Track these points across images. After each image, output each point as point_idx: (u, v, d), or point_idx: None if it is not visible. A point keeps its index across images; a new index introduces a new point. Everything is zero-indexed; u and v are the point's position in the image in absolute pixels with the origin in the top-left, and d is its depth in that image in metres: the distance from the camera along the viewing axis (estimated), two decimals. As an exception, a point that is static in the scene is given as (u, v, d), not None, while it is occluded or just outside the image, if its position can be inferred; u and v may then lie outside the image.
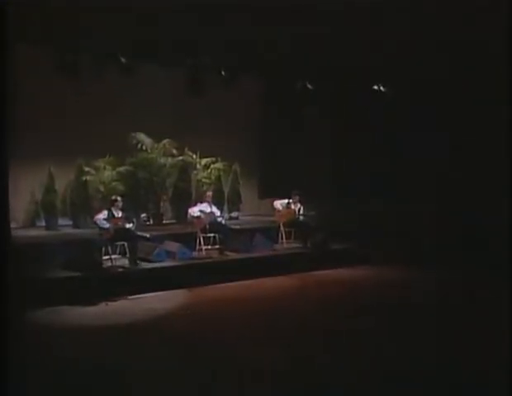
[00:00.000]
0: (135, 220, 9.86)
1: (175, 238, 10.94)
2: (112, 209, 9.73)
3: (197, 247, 10.73)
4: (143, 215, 9.98)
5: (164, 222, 12.78)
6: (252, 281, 10.11)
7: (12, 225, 11.04)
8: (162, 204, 12.84)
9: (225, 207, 13.33)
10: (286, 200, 11.85)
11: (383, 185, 12.53)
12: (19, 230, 11.11)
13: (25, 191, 11.71)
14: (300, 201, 11.83)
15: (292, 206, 11.82)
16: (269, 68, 12.08)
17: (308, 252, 11.52)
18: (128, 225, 9.70)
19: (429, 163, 12.54)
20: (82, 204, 11.59)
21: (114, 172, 11.89)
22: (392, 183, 12.52)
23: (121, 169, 12.01)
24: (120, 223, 9.59)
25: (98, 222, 9.48)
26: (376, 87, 12.42)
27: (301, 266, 10.99)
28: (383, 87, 12.34)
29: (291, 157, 13.94)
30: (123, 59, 10.41)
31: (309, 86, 12.56)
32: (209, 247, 10.87)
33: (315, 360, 6.31)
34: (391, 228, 11.99)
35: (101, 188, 11.78)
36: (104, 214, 9.60)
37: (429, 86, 11.82)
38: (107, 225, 9.46)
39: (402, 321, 7.86)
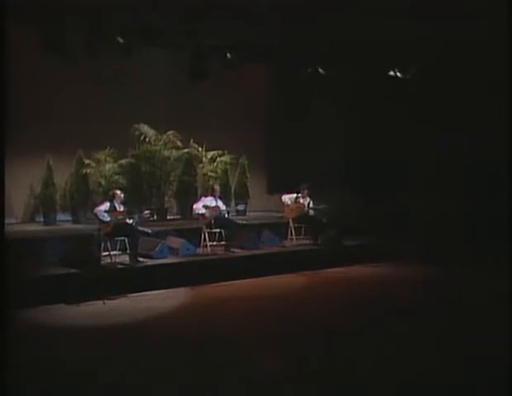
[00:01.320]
0: (136, 215, 9.30)
1: (179, 233, 10.42)
2: (114, 201, 9.21)
3: (202, 243, 10.18)
4: (146, 212, 9.42)
5: (169, 217, 12.24)
6: (259, 280, 9.55)
7: (11, 221, 10.77)
8: (166, 198, 12.27)
9: (232, 202, 12.76)
10: (294, 195, 11.27)
11: (399, 178, 11.90)
12: (16, 225, 10.62)
13: (24, 185, 11.22)
14: (309, 195, 11.24)
15: (301, 200, 11.24)
16: (279, 53, 11.44)
17: (319, 249, 10.94)
18: (129, 220, 9.17)
19: (450, 156, 11.88)
20: (82, 198, 11.07)
21: (115, 165, 11.34)
22: (410, 176, 11.86)
23: (123, 162, 11.46)
24: (121, 216, 9.06)
25: (99, 214, 8.96)
26: (392, 73, 11.69)
27: (312, 264, 10.42)
28: (400, 73, 11.60)
29: (303, 149, 13.28)
30: (121, 40, 9.80)
31: (320, 70, 11.87)
32: (214, 243, 10.31)
33: (326, 363, 5.80)
34: (408, 224, 11.35)
35: (102, 182, 11.24)
36: (106, 205, 9.08)
37: (452, 71, 11.13)
38: (108, 218, 8.93)
39: (419, 321, 7.31)
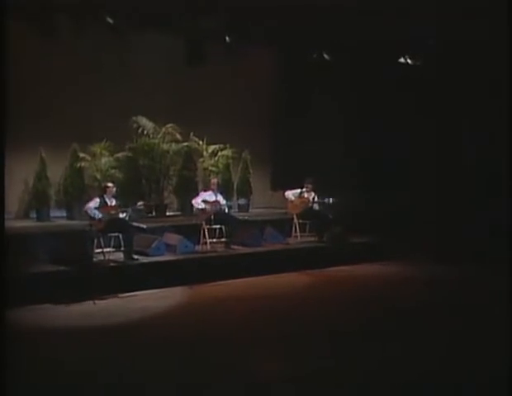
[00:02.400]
0: (129, 209, 8.82)
1: (178, 230, 9.91)
2: (105, 196, 8.74)
3: (202, 240, 9.69)
4: (139, 203, 8.90)
5: (168, 214, 11.75)
6: (259, 278, 9.06)
7: (6, 216, 10.31)
8: (165, 194, 11.77)
9: (234, 198, 12.25)
10: (298, 190, 10.75)
11: (408, 173, 11.36)
12: (7, 222, 10.12)
13: (18, 180, 10.75)
14: (314, 190, 10.72)
15: (306, 195, 10.71)
16: (283, 39, 10.88)
17: (324, 247, 10.42)
18: (122, 215, 8.69)
19: (461, 151, 11.32)
20: (77, 193, 10.59)
21: (111, 159, 10.85)
22: (419, 171, 11.31)
23: (120, 155, 10.97)
24: (112, 211, 8.59)
25: (89, 211, 8.50)
26: (402, 60, 11.04)
27: (316, 262, 9.92)
28: (411, 59, 10.95)
29: (308, 144, 12.70)
30: (110, 20, 9.29)
31: (326, 56, 11.28)
32: (214, 240, 9.82)
33: (328, 365, 5.35)
34: (417, 221, 10.81)
35: (98, 176, 10.75)
36: (96, 202, 8.62)
37: (465, 58, 10.56)
38: (99, 215, 8.46)
39: (426, 321, 6.84)
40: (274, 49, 12.34)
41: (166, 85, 11.64)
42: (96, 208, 8.50)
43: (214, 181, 10.15)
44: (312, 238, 10.72)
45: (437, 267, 9.83)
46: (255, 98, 12.71)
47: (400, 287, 8.73)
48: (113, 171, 10.89)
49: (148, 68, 11.33)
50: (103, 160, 10.81)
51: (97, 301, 7.57)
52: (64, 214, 10.82)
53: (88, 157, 10.70)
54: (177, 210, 11.92)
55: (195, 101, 11.89)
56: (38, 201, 10.45)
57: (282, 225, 10.95)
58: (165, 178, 11.66)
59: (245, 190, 12.64)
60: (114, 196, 8.85)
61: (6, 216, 9.80)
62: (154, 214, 11.43)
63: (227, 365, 5.38)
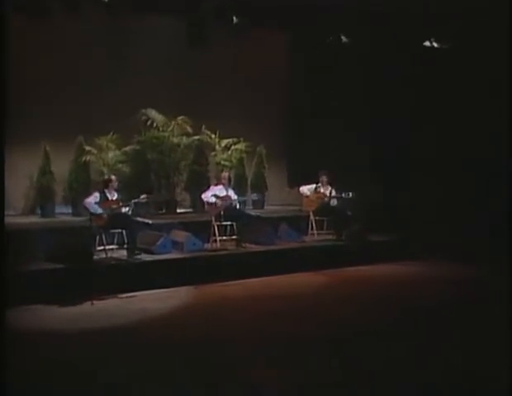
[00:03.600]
0: (131, 202, 8.29)
1: (187, 226, 9.37)
2: (106, 190, 8.24)
3: (212, 237, 9.12)
4: (142, 196, 8.35)
5: (180, 211, 11.19)
6: (273, 278, 8.44)
7: (9, 213, 9.88)
8: (176, 190, 11.21)
9: (248, 194, 11.63)
10: (313, 185, 10.11)
11: (433, 164, 10.59)
12: (10, 218, 9.68)
13: (23, 175, 10.29)
14: (329, 183, 10.06)
15: (322, 190, 10.07)
16: (300, 21, 10.20)
17: (342, 245, 9.76)
18: (125, 209, 8.18)
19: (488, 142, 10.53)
20: (82, 188, 10.07)
21: (119, 153, 10.34)
22: (445, 162, 10.54)
23: (127, 149, 10.46)
24: (114, 206, 8.07)
25: (89, 206, 8.00)
26: (428, 44, 10.20)
27: (334, 261, 9.29)
28: (438, 43, 10.09)
29: (328, 137, 11.99)
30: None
31: (343, 38, 10.55)
32: (224, 237, 9.24)
33: (344, 370, 4.81)
34: (442, 217, 10.07)
35: (105, 170, 10.25)
36: (95, 196, 8.11)
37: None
38: (100, 210, 7.95)
39: (450, 324, 6.25)
40: (290, 33, 11.66)
41: (176, 75, 11.10)
42: (96, 203, 7.98)
43: (225, 174, 9.57)
44: (330, 236, 10.07)
45: (462, 267, 9.10)
46: (271, 88, 12.08)
47: (422, 289, 8.06)
48: (120, 165, 10.40)
49: (156, 56, 10.80)
50: (110, 154, 10.31)
51: (94, 301, 7.05)
52: (69, 210, 10.37)
53: (94, 151, 10.20)
54: (187, 207, 11.36)
55: (206, 92, 11.32)
56: (42, 197, 9.99)
57: (298, 222, 10.33)
58: (175, 173, 11.10)
59: (260, 186, 12.01)
60: (116, 190, 8.34)
61: (11, 213, 9.85)
62: (163, 210, 10.90)
63: (234, 371, 4.84)
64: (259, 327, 6.21)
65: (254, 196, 9.81)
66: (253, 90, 11.83)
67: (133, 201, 8.27)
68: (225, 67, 11.47)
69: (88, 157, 10.10)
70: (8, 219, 8.99)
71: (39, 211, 10.23)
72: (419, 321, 6.45)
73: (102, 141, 10.21)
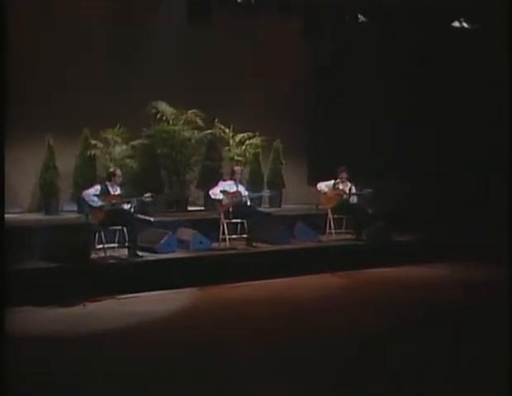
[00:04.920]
0: (134, 199, 7.73)
1: (196, 225, 8.79)
2: (108, 184, 7.71)
3: (221, 236, 8.52)
4: (146, 195, 7.81)
5: (192, 209, 10.61)
6: (283, 280, 7.79)
7: (16, 210, 9.47)
8: (187, 186, 10.63)
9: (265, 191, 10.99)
10: (332, 181, 9.42)
11: (464, 158, 9.78)
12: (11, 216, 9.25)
13: (29, 172, 9.87)
14: (349, 179, 9.36)
15: (341, 186, 9.37)
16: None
17: (362, 245, 9.06)
18: (126, 206, 7.65)
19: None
20: (88, 184, 9.49)
21: (126, 147, 9.81)
22: (478, 155, 9.70)
23: (135, 143, 9.92)
24: (114, 201, 7.54)
25: (87, 198, 7.48)
26: (457, 25, 9.35)
27: (353, 262, 8.62)
28: (468, 23, 9.23)
29: (351, 131, 11.24)
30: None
31: (360, 18, 9.78)
32: (234, 236, 8.63)
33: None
34: (474, 215, 9.27)
35: (111, 166, 9.70)
36: (96, 189, 7.59)
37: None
38: (99, 203, 7.42)
39: (483, 333, 5.52)
40: (308, 16, 10.98)
41: (187, 65, 10.54)
42: (95, 195, 7.46)
43: (237, 168, 8.97)
44: (349, 236, 9.36)
45: (496, 270, 8.27)
46: (289, 79, 11.41)
47: (450, 293, 7.31)
48: (128, 160, 9.88)
49: (166, 45, 10.24)
50: (118, 148, 9.79)
51: (88, 303, 6.50)
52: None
53: (100, 145, 9.69)
54: (199, 205, 10.76)
55: (220, 84, 10.73)
56: (45, 193, 9.52)
57: (316, 221, 9.65)
58: (186, 169, 10.52)
59: (277, 183, 11.36)
60: (119, 185, 7.81)
61: (17, 211, 9.43)
62: (174, 208, 10.33)
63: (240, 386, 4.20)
64: (263, 332, 5.58)
65: (266, 192, 9.14)
66: (269, 81, 11.21)
67: (135, 199, 7.69)
68: (241, 58, 10.92)
69: (94, 152, 9.59)
70: (8, 217, 8.66)
71: (46, 209, 9.82)
72: (447, 328, 5.78)
73: (108, 134, 9.70)
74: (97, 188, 7.59)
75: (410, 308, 6.57)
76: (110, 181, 7.76)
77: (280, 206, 11.24)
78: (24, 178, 9.69)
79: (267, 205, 11.15)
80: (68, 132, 9.81)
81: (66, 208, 9.90)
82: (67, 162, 9.84)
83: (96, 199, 7.43)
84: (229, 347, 5.14)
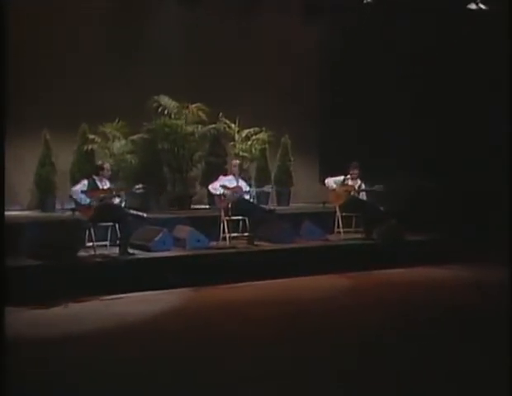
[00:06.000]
0: (122, 193, 7.32)
1: (198, 222, 8.33)
2: (96, 178, 7.30)
3: (221, 234, 8.05)
4: (137, 186, 7.38)
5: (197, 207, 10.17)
6: (283, 281, 7.28)
7: (16, 208, 9.16)
8: (190, 183, 10.18)
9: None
10: (341, 177, 8.88)
11: (482, 153, 9.13)
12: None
13: (30, 169, 9.50)
14: (359, 177, 8.82)
15: (350, 183, 8.82)
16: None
17: (372, 244, 8.51)
18: (116, 200, 7.24)
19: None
20: (85, 180, 9.19)
21: (125, 142, 9.42)
22: (496, 150, 9.03)
23: (135, 138, 9.52)
24: (102, 195, 7.12)
25: (74, 195, 7.08)
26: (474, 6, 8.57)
27: (362, 263, 8.06)
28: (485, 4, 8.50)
29: (365, 127, 10.64)
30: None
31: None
32: (235, 234, 8.16)
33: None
34: (493, 213, 8.63)
35: (111, 162, 9.31)
36: (83, 184, 7.19)
37: None
38: (87, 200, 7.02)
39: (501, 336, 4.84)
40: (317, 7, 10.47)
41: (190, 55, 10.11)
42: (83, 191, 7.05)
43: (235, 162, 8.53)
44: (359, 235, 8.81)
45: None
46: (298, 71, 10.90)
47: (465, 295, 6.73)
48: (129, 156, 9.49)
49: (167, 33, 9.84)
50: (118, 144, 9.40)
51: (71, 304, 6.08)
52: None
53: (98, 139, 9.31)
54: (203, 203, 10.30)
55: (225, 77, 10.28)
56: (41, 190, 9.17)
57: (325, 219, 9.12)
58: (189, 165, 10.07)
59: (285, 181, 10.85)
60: (108, 179, 7.40)
61: (17, 208, 9.12)
62: (175, 206, 9.90)
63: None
64: (252, 335, 5.09)
65: (268, 188, 8.62)
66: (278, 73, 10.70)
67: (120, 192, 7.27)
68: (248, 48, 10.47)
69: (90, 147, 9.21)
70: None
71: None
72: (461, 332, 5.25)
73: (107, 129, 9.31)
74: (84, 183, 7.19)
75: (422, 311, 6.02)
76: (98, 175, 7.35)
77: (288, 204, 10.75)
78: (23, 176, 9.36)
79: (275, 204, 10.70)
80: (68, 127, 9.48)
81: (67, 206, 9.56)
82: (67, 158, 9.52)
83: (83, 195, 7.01)
84: (208, 349, 4.67)
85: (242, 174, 8.65)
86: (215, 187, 8.09)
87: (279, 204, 10.70)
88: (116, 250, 7.20)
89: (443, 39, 9.66)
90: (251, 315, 5.84)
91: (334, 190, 8.92)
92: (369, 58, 10.55)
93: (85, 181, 7.22)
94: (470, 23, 9.10)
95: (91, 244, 7.15)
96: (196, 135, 10.07)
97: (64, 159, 9.42)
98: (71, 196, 7.21)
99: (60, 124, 9.33)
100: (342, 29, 10.82)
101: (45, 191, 9.18)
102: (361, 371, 4.27)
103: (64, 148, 9.46)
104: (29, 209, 9.61)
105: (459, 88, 9.75)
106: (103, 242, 7.35)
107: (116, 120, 9.37)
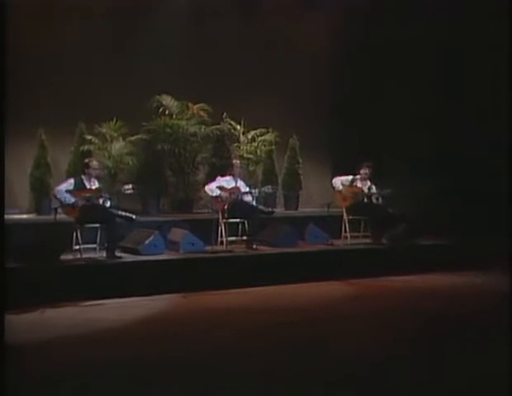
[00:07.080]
0: (106, 194, 6.92)
1: (197, 226, 7.91)
2: (83, 177, 6.93)
3: (219, 237, 7.61)
4: (126, 186, 6.99)
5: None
6: (281, 288, 6.76)
7: (14, 212, 8.88)
8: (193, 187, 9.75)
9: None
10: (349, 177, 8.35)
11: (497, 156, 8.51)
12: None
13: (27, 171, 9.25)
14: (369, 178, 8.29)
15: (359, 184, 8.28)
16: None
17: (381, 249, 7.96)
18: (103, 201, 6.85)
19: None
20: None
21: (125, 143, 9.07)
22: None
23: (133, 138, 9.15)
24: (89, 195, 6.74)
25: (58, 194, 6.71)
26: None
27: (369, 269, 7.52)
28: None
29: (379, 128, 10.06)
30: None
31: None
32: (234, 237, 7.71)
33: None
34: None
35: (109, 164, 9.00)
36: (69, 183, 6.83)
37: None
38: (72, 200, 6.64)
39: None
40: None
41: (193, 53, 9.70)
42: (68, 191, 6.68)
43: (236, 162, 8.08)
44: (367, 240, 8.27)
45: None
46: (307, 69, 10.42)
47: (480, 304, 6.14)
48: (128, 158, 9.12)
49: (169, 32, 9.48)
50: (117, 145, 9.05)
51: (47, 309, 5.69)
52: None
53: (95, 140, 8.97)
54: (205, 208, 9.83)
55: (230, 75, 9.83)
56: (35, 191, 8.86)
57: (330, 223, 8.61)
58: (191, 167, 9.66)
59: (292, 184, 10.35)
60: (96, 177, 7.02)
61: (15, 211, 8.83)
62: (177, 210, 9.49)
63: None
64: (239, 347, 4.61)
65: (268, 189, 8.18)
66: (287, 71, 10.24)
67: (105, 194, 6.86)
68: (253, 46, 10.04)
69: (87, 147, 8.87)
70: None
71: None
72: (475, 343, 4.73)
73: (104, 129, 8.97)
74: (70, 182, 6.84)
75: (433, 321, 5.46)
76: (85, 173, 6.97)
77: (297, 209, 10.26)
78: (23, 179, 9.08)
79: (283, 208, 10.23)
80: (66, 127, 9.18)
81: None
82: (66, 159, 9.21)
83: (68, 195, 6.63)
84: (186, 361, 4.20)
85: (242, 175, 8.16)
86: (211, 188, 7.65)
87: (287, 208, 10.23)
88: (105, 253, 6.82)
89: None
90: (229, 324, 5.37)
91: (340, 191, 8.39)
92: (382, 55, 10.03)
93: (71, 181, 6.87)
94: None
95: (77, 247, 6.78)
96: (199, 136, 9.66)
97: (64, 160, 9.16)
98: (55, 196, 6.83)
99: (59, 124, 9.06)
100: (354, 26, 10.32)
101: (40, 194, 8.86)
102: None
103: (64, 149, 9.20)
104: (29, 212, 9.35)
105: (483, 87, 9.15)
106: (93, 245, 6.98)
107: (114, 120, 9.01)
